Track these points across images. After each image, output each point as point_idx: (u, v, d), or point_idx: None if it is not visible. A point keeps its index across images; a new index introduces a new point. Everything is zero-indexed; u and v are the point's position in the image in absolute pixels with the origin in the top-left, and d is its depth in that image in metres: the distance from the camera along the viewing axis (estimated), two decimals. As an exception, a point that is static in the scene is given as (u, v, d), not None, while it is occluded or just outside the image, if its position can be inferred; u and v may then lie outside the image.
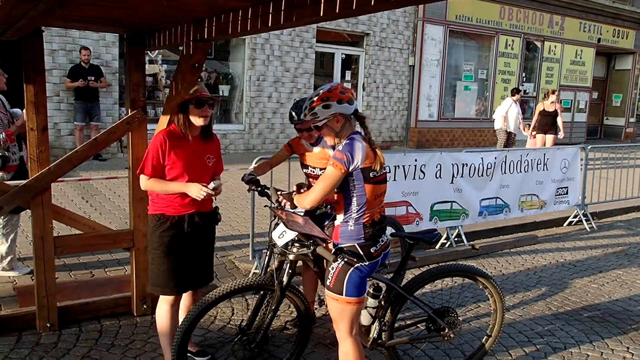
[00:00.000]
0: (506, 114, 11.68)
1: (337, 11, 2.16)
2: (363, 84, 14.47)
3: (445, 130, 15.78)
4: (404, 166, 5.90)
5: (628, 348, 4.03)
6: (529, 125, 12.00)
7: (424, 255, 5.94)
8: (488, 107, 16.64)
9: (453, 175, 6.32)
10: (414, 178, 6.01)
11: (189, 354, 3.61)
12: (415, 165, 6.01)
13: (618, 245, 7.00)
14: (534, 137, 11.75)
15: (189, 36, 3.41)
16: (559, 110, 11.72)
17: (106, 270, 5.11)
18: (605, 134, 21.22)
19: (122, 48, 10.32)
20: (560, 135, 11.74)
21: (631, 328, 4.38)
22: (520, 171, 7.06)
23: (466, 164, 6.44)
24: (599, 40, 19.13)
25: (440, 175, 6.22)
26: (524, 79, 17.58)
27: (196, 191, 3.11)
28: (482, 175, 6.61)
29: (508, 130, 11.71)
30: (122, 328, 4.02)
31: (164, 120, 3.83)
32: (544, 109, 11.72)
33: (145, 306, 4.23)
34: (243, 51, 12.61)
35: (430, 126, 15.56)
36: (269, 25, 2.60)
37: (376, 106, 14.76)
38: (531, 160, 7.17)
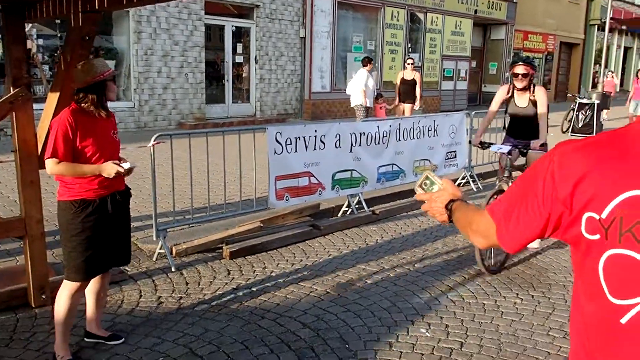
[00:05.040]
0: (365, 87, 10.95)
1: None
2: (255, 57, 14.32)
3: (339, 101, 16.05)
4: (304, 137, 5.96)
5: (517, 294, 4.43)
6: (379, 97, 11.62)
7: (327, 223, 6.09)
8: (378, 77, 17.13)
9: (352, 145, 6.48)
10: (315, 149, 6.09)
11: (100, 340, 3.50)
12: (316, 136, 6.08)
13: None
14: (394, 106, 11.59)
15: (77, 6, 3.20)
16: (417, 80, 11.77)
17: (-5, 262, 4.74)
18: (484, 100, 22.63)
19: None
20: (416, 105, 11.71)
21: (518, 277, 4.80)
22: (414, 138, 7.38)
23: (364, 133, 6.63)
24: (475, 11, 20.24)
25: (339, 145, 6.35)
26: (410, 49, 18.25)
27: (113, 171, 3.10)
28: (378, 143, 6.83)
29: (366, 106, 11.06)
30: (20, 321, 3.77)
31: (53, 98, 3.59)
32: (403, 77, 11.89)
33: (44, 296, 3.98)
34: (127, 24, 11.97)
35: (324, 97, 15.77)
36: (170, -6, 2.50)
37: (269, 79, 14.69)
38: (422, 127, 7.52)
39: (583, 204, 1.17)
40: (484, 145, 5.39)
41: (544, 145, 5.13)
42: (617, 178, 1.13)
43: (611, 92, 17.97)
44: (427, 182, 1.70)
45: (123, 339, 3.54)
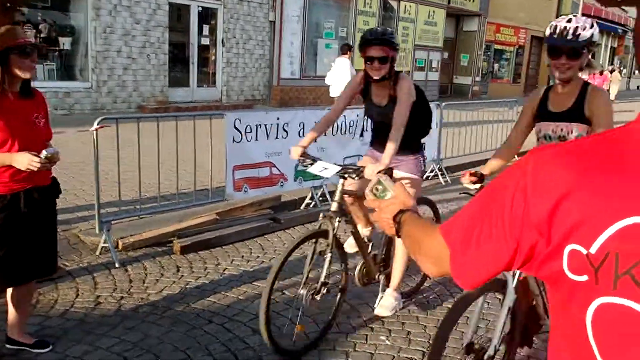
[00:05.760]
0: (351, 76, 10.31)
1: None
2: (222, 40, 13.82)
3: (309, 89, 15.70)
4: (265, 125, 5.62)
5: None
6: None
7: (289, 217, 5.77)
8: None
9: (316, 134, 6.16)
10: (277, 137, 5.76)
11: (24, 347, 3.13)
12: (278, 124, 5.75)
13: (470, 196, 7.34)
14: None
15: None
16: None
17: None
18: (455, 92, 22.56)
19: None
20: None
21: (486, 277, 4.56)
22: (381, 128, 7.09)
23: (329, 122, 6.31)
24: (449, 2, 20.04)
25: (303, 134, 6.01)
26: (382, 38, 17.95)
27: (26, 162, 2.64)
28: (345, 133, 6.53)
29: None
30: None
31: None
32: None
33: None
34: (85, 0, 11.35)
35: (293, 84, 15.38)
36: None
37: (237, 63, 14.22)
38: (391, 117, 7.24)
39: (565, 233, 0.85)
40: (305, 162, 3.46)
41: (389, 169, 3.28)
42: (612, 199, 0.82)
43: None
44: (380, 187, 1.39)
45: (51, 347, 3.17)
